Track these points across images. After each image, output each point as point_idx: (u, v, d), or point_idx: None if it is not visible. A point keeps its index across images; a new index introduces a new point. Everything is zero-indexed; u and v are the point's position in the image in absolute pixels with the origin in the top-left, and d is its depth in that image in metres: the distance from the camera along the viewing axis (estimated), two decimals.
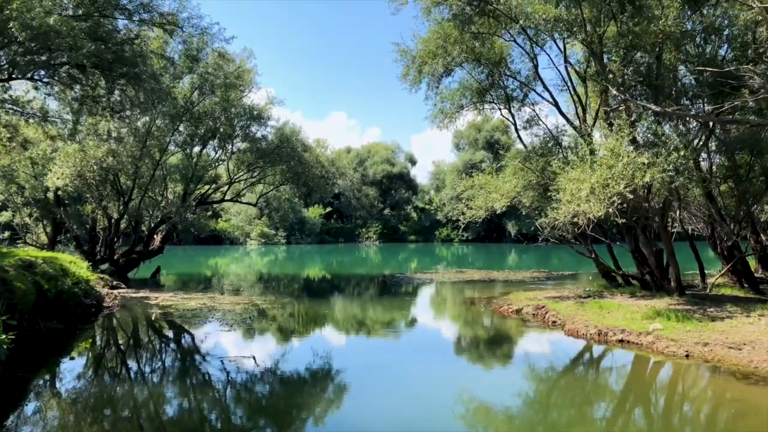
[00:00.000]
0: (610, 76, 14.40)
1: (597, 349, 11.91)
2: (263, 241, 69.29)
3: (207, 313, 16.46)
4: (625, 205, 12.85)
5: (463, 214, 17.55)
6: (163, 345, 13.21)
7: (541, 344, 12.95)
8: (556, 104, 17.95)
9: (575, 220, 13.34)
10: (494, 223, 73.04)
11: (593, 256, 18.16)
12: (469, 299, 19.89)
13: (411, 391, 9.40)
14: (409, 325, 16.50)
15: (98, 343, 12.97)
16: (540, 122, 20.47)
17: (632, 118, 13.70)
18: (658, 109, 13.23)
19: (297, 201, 64.17)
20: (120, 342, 13.26)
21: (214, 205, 72.00)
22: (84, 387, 9.56)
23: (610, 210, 12.20)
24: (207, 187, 27.70)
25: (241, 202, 31.53)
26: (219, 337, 13.38)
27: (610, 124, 16.33)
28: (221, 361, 11.23)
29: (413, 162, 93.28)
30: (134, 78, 13.97)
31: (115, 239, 25.41)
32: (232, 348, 12.35)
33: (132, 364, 11.34)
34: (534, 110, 20.72)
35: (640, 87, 15.14)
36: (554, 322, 14.18)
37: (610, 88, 14.21)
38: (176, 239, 29.16)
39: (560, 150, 18.53)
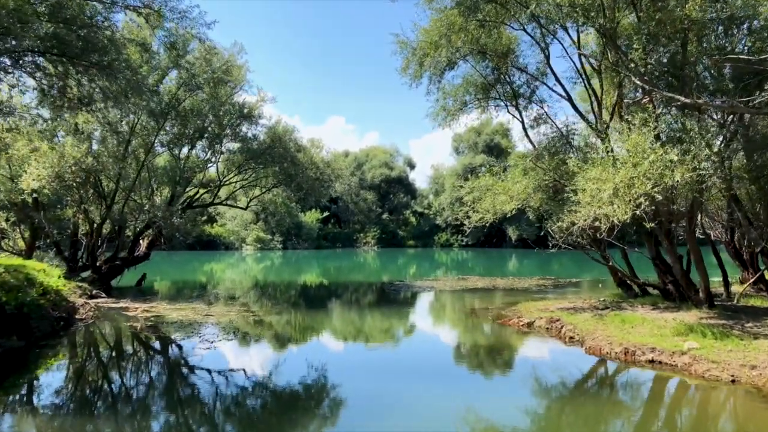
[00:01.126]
0: (632, 65, 13.05)
1: (625, 371, 10.50)
2: (259, 246, 67.79)
3: (189, 325, 15.04)
4: (653, 208, 11.49)
5: (469, 217, 16.14)
6: (132, 364, 11.74)
7: (559, 364, 11.51)
8: (569, 98, 16.60)
9: (596, 224, 11.97)
10: (494, 228, 71.67)
11: (610, 263, 16.78)
12: (474, 310, 18.48)
13: (412, 414, 8.06)
14: (410, 341, 15.09)
15: (57, 363, 11.46)
16: (549, 120, 19.22)
17: (658, 111, 12.33)
18: (688, 100, 11.88)
19: (294, 205, 62.85)
20: (84, 361, 11.80)
21: (209, 210, 70.95)
22: (32, 417, 8.13)
23: (638, 213, 10.83)
24: (195, 190, 26.24)
25: (230, 206, 30.11)
26: (196, 354, 11.94)
27: (623, 119, 15.07)
28: (196, 383, 9.84)
29: (412, 166, 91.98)
30: (106, 67, 12.61)
31: (98, 245, 24.02)
32: (210, 368, 10.92)
33: (94, 387, 9.89)
34: (542, 108, 19.46)
35: (664, 77, 13.79)
36: (571, 337, 12.79)
37: (633, 78, 12.85)
38: (163, 245, 27.61)
39: (571, 149, 17.22)
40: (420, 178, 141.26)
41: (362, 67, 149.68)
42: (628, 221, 11.40)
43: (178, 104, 21.46)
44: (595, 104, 16.10)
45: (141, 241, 26.09)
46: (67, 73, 13.10)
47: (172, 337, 13.89)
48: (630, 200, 11.12)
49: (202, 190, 27.00)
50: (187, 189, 26.17)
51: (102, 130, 20.00)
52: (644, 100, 13.08)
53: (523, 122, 19.11)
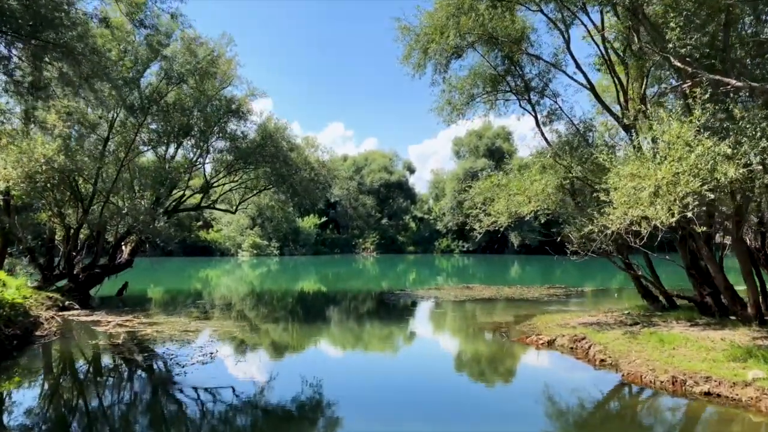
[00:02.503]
0: (669, 46, 11.35)
1: (676, 406, 8.71)
2: (255, 252, 65.87)
3: (163, 343, 13.26)
4: (704, 209, 9.79)
5: (480, 221, 14.37)
6: (86, 392, 9.90)
7: (594, 396, 9.71)
8: (591, 87, 14.85)
9: (632, 227, 10.24)
10: (496, 234, 70.03)
11: (639, 273, 15.03)
12: (485, 325, 16.67)
13: None
14: (414, 362, 13.27)
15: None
16: (563, 115, 17.62)
17: (704, 97, 10.58)
18: (740, 83, 10.18)
19: (291, 210, 61.23)
20: (29, 389, 9.97)
21: (205, 215, 69.13)
22: None
23: (689, 215, 9.11)
24: (181, 192, 24.40)
25: (217, 209, 28.31)
26: (161, 383, 10.18)
27: (654, 109, 13.39)
28: (154, 417, 8.07)
29: (411, 170, 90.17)
30: (63, 47, 10.90)
31: (75, 252, 22.25)
32: (172, 402, 9.15)
33: (38, 421, 8.11)
34: (556, 102, 17.84)
35: (705, 60, 12.07)
36: (602, 360, 10.99)
37: (673, 60, 11.15)
38: (147, 251, 25.86)
39: (588, 146, 15.52)
40: (419, 184, 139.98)
41: (361, 74, 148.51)
42: (673, 224, 9.68)
43: (160, 98, 19.70)
44: (620, 94, 14.40)
45: (123, 247, 24.34)
46: (25, 55, 11.43)
47: (139, 358, 12.05)
48: (675, 200, 9.42)
49: (189, 193, 25.23)
50: (174, 191, 24.42)
51: (69, 124, 18.05)
52: (685, 85, 11.34)
53: (536, 117, 17.48)
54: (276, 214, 63.36)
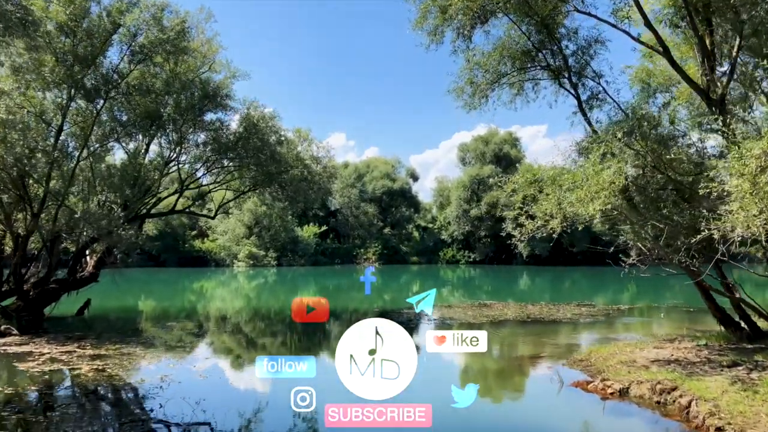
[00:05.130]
0: None
1: None
2: (252, 262, 62.31)
3: (92, 392, 9.79)
4: None
5: (520, 225, 10.87)
6: None
7: None
8: (665, 51, 11.32)
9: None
10: (503, 244, 66.43)
11: (732, 295, 11.56)
12: (521, 360, 13.08)
13: None
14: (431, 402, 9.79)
15: None
16: (608, 98, 14.41)
17: None
18: None
19: (290, 218, 58.07)
20: None
21: (200, 224, 65.77)
22: None
23: None
24: (155, 196, 20.96)
25: (195, 214, 24.97)
26: None
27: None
28: None
29: (415, 178, 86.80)
30: None
31: (26, 264, 18.90)
32: None
33: None
34: (599, 84, 14.68)
35: None
36: (719, 428, 7.47)
37: None
38: (116, 262, 22.48)
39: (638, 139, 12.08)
40: (422, 193, 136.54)
41: (363, 83, 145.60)
42: None
43: (121, 79, 16.34)
44: (705, 60, 11.02)
45: (86, 259, 20.94)
46: None
47: (41, 419, 8.56)
48: None
49: (165, 195, 21.87)
50: (149, 193, 21.03)
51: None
52: None
53: (578, 98, 14.23)
54: (274, 222, 60.07)
